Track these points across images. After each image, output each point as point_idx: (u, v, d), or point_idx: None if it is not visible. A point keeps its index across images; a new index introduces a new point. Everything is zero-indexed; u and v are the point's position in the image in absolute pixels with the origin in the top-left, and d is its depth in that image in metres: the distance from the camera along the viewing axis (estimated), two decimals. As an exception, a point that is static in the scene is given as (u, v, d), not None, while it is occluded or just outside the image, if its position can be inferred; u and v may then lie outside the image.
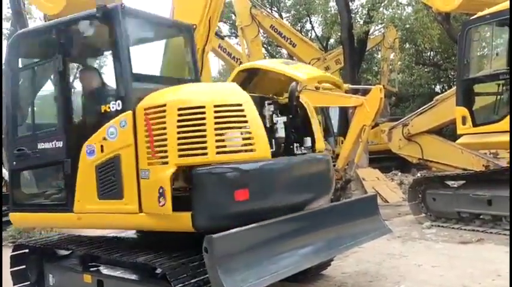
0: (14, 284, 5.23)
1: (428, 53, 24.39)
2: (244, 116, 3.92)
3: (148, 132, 3.92)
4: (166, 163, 3.80)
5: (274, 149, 4.24)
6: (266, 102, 4.42)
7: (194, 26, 5.45)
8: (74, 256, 5.03)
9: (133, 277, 4.19)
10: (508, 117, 6.70)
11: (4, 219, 9.81)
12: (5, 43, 12.99)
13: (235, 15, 19.34)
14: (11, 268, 5.23)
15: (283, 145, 4.52)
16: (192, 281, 3.62)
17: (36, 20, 15.99)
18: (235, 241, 3.56)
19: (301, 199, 4.40)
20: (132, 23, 4.47)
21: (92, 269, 4.60)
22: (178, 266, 3.74)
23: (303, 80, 4.02)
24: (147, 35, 5.26)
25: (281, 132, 4.42)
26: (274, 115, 4.42)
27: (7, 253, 5.52)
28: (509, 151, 7.93)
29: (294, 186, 4.28)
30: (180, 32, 5.44)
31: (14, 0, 11.55)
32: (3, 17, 15.13)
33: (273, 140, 4.31)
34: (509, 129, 6.48)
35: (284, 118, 4.45)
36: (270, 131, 4.31)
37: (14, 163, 4.96)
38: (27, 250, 5.26)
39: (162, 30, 5.42)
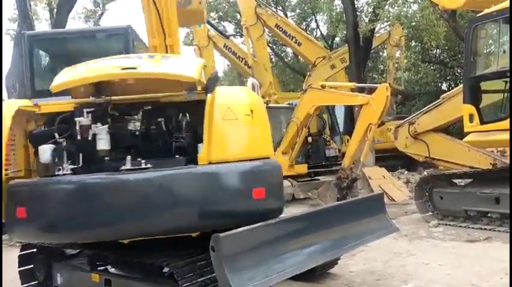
0: (22, 284, 5.27)
1: (435, 51, 24.31)
2: None
3: None
4: None
5: (81, 165, 3.84)
6: (85, 110, 3.92)
7: (128, 26, 5.59)
8: (82, 255, 5.05)
9: (141, 276, 4.21)
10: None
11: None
12: (11, 44, 13.08)
13: (240, 14, 19.34)
14: (19, 267, 5.27)
15: (107, 159, 3.87)
16: (199, 280, 3.63)
17: (42, 21, 16.08)
18: (242, 239, 3.55)
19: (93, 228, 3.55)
20: (39, 45, 5.07)
21: (99, 268, 4.62)
22: (185, 265, 3.76)
23: (51, 87, 3.73)
24: (66, 50, 5.69)
25: (102, 145, 3.83)
26: (96, 125, 3.86)
27: (15, 252, 5.56)
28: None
29: (80, 212, 3.51)
30: (111, 36, 5.69)
31: (20, 1, 11.64)
32: (10, 17, 15.26)
33: (82, 155, 3.87)
34: (509, 128, 6.45)
35: (106, 127, 3.87)
36: (85, 143, 3.88)
37: None
38: (35, 249, 5.30)
39: (87, 41, 5.67)
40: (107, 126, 3.88)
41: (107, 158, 3.85)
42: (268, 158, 4.01)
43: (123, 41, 5.62)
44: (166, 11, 5.76)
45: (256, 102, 4.14)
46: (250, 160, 3.85)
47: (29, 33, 5.11)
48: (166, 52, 5.78)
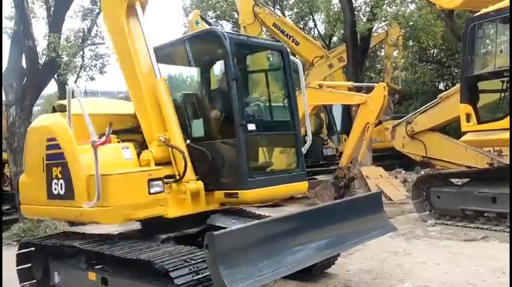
0: (20, 282, 5.27)
1: (432, 51, 24.30)
2: None
3: None
4: None
5: None
6: None
7: None
8: (79, 253, 5.04)
9: (137, 274, 4.20)
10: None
11: (8, 218, 9.87)
12: (8, 42, 13.02)
13: (237, 13, 19.31)
14: (17, 266, 5.27)
15: None
16: (195, 278, 3.63)
17: (39, 19, 16.02)
18: (237, 238, 3.56)
19: None
20: None
21: (96, 266, 4.61)
22: (180, 263, 3.75)
23: None
24: None
25: None
26: None
27: (13, 251, 5.56)
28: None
29: None
30: None
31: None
32: (7, 16, 15.20)
33: None
34: (510, 128, 6.46)
35: None
36: None
37: None
38: (33, 248, 5.29)
39: None
40: None
41: None
42: None
43: None
44: None
45: None
46: None
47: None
48: None
